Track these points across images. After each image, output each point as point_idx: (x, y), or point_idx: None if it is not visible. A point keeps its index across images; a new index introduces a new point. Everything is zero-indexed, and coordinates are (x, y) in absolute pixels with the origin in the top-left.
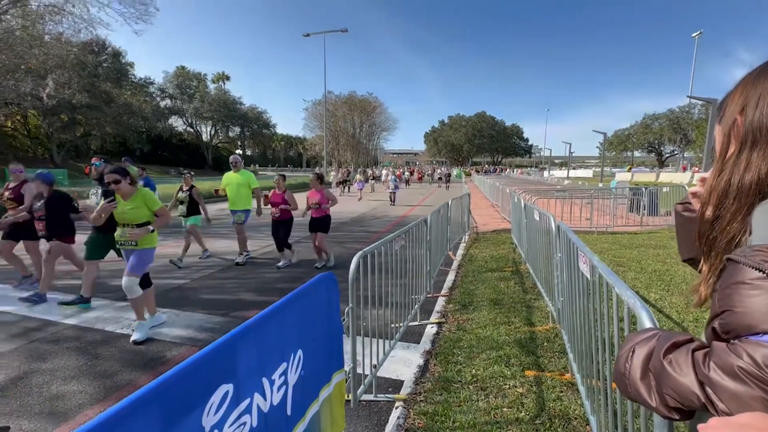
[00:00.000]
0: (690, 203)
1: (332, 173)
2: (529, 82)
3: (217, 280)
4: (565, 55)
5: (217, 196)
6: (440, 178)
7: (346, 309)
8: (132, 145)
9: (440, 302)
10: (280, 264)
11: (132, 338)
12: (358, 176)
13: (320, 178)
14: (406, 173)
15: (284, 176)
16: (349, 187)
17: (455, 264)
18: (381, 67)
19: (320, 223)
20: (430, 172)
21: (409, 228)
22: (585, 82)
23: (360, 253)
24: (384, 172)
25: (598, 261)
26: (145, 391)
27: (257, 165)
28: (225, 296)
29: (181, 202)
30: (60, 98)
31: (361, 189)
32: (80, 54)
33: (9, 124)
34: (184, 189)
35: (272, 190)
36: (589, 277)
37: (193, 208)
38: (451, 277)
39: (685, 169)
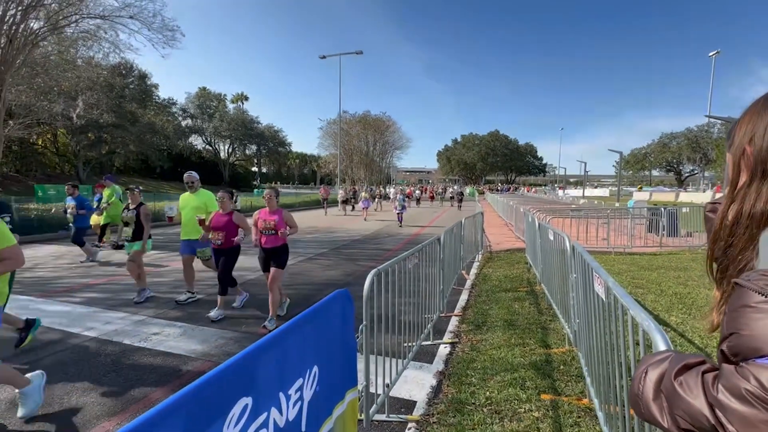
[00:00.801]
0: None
1: (340, 191)
2: (543, 102)
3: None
4: (579, 75)
5: (170, 224)
6: (452, 197)
7: (360, 326)
8: (153, 163)
9: (453, 322)
10: (211, 314)
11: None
12: (363, 194)
13: (277, 193)
14: (417, 191)
15: (232, 193)
16: (353, 206)
17: (468, 283)
18: (394, 87)
19: (274, 255)
20: (440, 190)
21: (422, 246)
22: (600, 101)
23: (374, 270)
24: (392, 190)
25: (613, 282)
26: (170, 402)
27: (278, 182)
28: (238, 311)
29: (127, 224)
30: (89, 118)
31: (366, 208)
32: (109, 77)
33: (40, 142)
34: (131, 207)
35: (214, 212)
36: (604, 298)
37: (140, 231)
38: (464, 296)
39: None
